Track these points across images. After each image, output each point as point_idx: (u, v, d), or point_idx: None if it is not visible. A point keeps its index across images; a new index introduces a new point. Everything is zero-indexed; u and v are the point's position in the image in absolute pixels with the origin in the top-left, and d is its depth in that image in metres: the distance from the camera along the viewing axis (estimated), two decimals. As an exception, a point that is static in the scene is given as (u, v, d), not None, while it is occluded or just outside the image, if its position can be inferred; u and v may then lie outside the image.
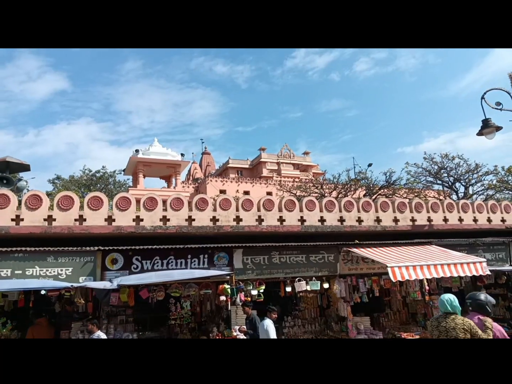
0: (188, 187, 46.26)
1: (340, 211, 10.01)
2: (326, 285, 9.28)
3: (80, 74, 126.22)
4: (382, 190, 24.19)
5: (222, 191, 39.73)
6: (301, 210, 9.68)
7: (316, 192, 25.39)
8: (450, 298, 4.88)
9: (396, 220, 10.40)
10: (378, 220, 10.25)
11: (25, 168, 10.61)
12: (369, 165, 26.21)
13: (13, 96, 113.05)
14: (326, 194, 24.08)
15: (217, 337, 8.69)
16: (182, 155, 36.24)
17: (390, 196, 22.75)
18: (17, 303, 8.06)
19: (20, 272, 7.31)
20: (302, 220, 9.56)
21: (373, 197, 22.42)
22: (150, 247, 7.95)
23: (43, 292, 7.08)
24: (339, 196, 23.05)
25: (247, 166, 56.82)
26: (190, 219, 8.77)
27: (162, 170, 36.15)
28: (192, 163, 57.69)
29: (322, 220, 9.75)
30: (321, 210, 9.86)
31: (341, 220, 9.93)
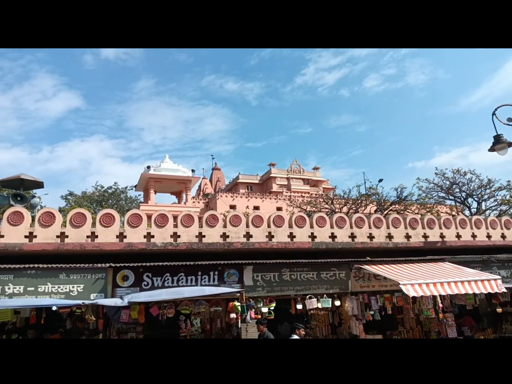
0: (199, 202, 46.35)
1: (351, 227, 9.95)
2: (337, 303, 9.18)
3: (94, 93, 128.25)
4: (393, 206, 23.98)
5: (232, 207, 39.74)
6: (311, 227, 9.64)
7: (326, 208, 25.26)
8: None
9: (408, 237, 10.29)
10: (389, 236, 10.16)
11: (39, 185, 10.79)
12: (380, 180, 26.11)
13: (28, 114, 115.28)
14: (336, 210, 23.93)
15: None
16: (193, 171, 36.40)
17: (402, 212, 22.53)
18: (29, 319, 8.10)
19: (33, 288, 7.36)
20: (312, 236, 9.52)
21: (384, 213, 22.24)
22: (160, 263, 7.96)
23: (54, 308, 7.11)
24: (350, 212, 22.90)
25: (257, 182, 56.88)
26: (200, 236, 8.79)
27: (173, 186, 36.35)
28: (202, 178, 57.88)
29: (333, 236, 9.70)
30: (332, 227, 9.81)
31: (352, 236, 9.86)
